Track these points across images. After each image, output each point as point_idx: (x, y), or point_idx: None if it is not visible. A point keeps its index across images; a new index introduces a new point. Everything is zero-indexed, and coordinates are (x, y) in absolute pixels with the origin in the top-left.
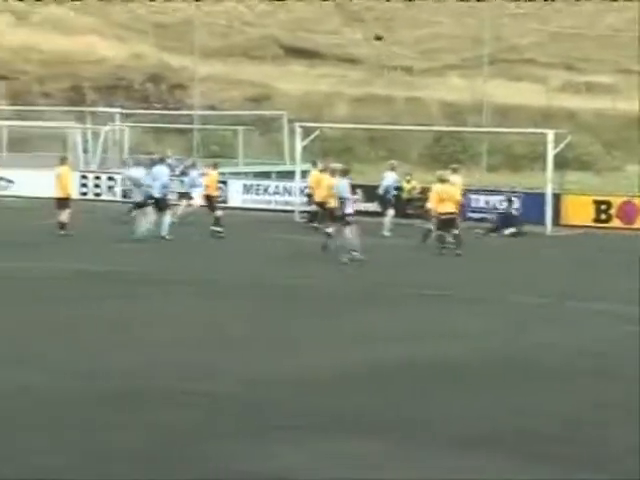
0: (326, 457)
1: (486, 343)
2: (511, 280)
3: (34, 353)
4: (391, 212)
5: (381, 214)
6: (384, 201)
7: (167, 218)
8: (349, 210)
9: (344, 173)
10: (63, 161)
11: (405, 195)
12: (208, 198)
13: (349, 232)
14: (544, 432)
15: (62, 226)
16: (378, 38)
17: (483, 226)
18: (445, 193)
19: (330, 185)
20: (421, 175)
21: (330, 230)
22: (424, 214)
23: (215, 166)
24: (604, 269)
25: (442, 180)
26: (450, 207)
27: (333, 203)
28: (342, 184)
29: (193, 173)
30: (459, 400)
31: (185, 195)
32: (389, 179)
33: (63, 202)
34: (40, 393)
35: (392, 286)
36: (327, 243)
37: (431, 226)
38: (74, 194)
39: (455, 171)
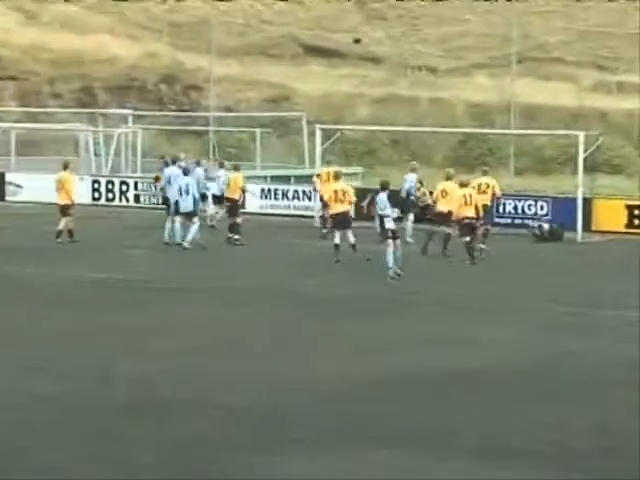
0: (345, 468)
1: (514, 353)
2: (540, 288)
3: (52, 361)
4: (412, 216)
5: (402, 219)
6: (406, 205)
7: (178, 224)
8: (390, 225)
9: (383, 187)
10: (65, 166)
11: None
12: (229, 201)
13: (392, 247)
14: (577, 445)
15: (59, 234)
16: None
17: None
18: (467, 197)
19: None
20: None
21: (337, 240)
22: (441, 219)
23: (237, 167)
24: (636, 276)
25: (462, 184)
26: (470, 211)
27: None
28: (381, 198)
29: (198, 171)
30: (486, 411)
31: (218, 199)
32: (410, 181)
33: (64, 209)
34: (58, 403)
35: (417, 294)
36: (337, 253)
37: (449, 231)
38: (85, 199)
39: (485, 173)
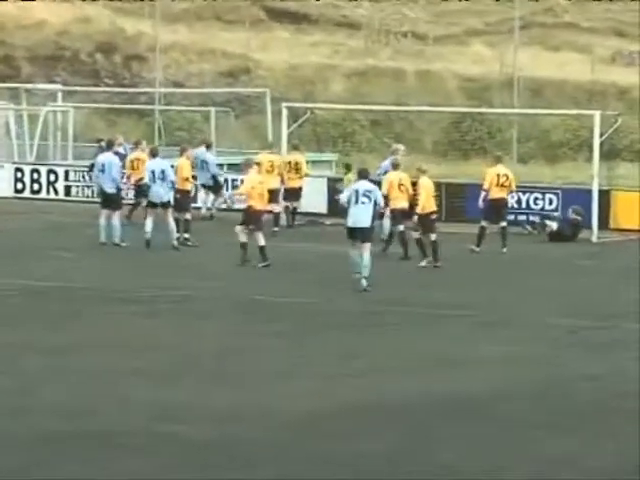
0: None
1: (519, 374)
2: (549, 296)
3: None
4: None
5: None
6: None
7: (117, 221)
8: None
9: (362, 175)
10: None
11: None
12: (177, 193)
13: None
14: None
15: None
16: None
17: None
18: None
19: None
20: (435, 167)
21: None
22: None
23: (184, 150)
24: None
25: (422, 171)
26: (433, 205)
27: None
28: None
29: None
30: (485, 444)
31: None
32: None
33: None
34: None
35: (400, 305)
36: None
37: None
38: (5, 191)
39: (500, 160)
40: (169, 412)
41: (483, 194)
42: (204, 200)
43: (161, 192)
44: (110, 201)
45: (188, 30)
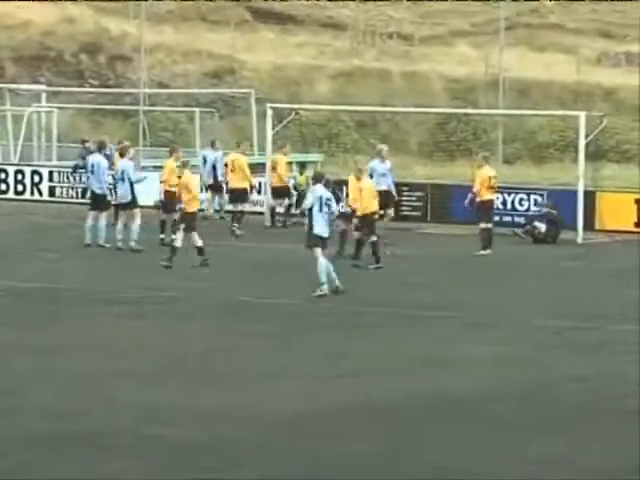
0: None
1: (506, 375)
2: (535, 298)
3: None
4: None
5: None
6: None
7: (103, 222)
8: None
9: (317, 179)
10: None
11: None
12: (168, 195)
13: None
14: None
15: None
16: None
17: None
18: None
19: None
20: (421, 168)
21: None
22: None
23: (174, 151)
24: None
25: (361, 171)
26: (374, 206)
27: None
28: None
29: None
30: (473, 445)
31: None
32: (384, 170)
33: None
34: None
35: (386, 306)
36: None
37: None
38: None
39: (487, 161)
40: (156, 414)
41: (471, 196)
42: (211, 201)
43: (122, 193)
44: (98, 202)
45: (173, 31)
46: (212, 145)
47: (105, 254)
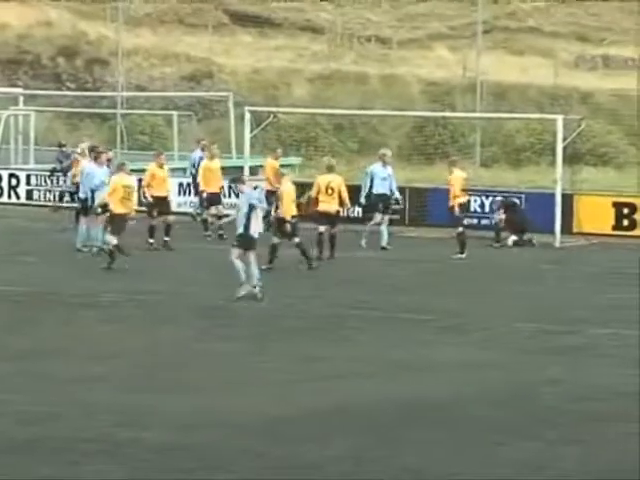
0: None
1: (485, 379)
2: (513, 301)
3: None
4: (387, 218)
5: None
6: (382, 204)
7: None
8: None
9: (240, 180)
10: None
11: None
12: (157, 199)
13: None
14: None
15: None
16: None
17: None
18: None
19: None
20: (399, 172)
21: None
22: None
23: (159, 156)
24: (626, 288)
25: (282, 175)
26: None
27: None
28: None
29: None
30: (453, 449)
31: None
32: (386, 175)
33: None
34: None
35: (362, 309)
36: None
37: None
38: None
39: (454, 164)
40: (132, 417)
41: (453, 200)
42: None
43: (81, 196)
44: (83, 207)
45: (151, 34)
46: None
47: (83, 257)
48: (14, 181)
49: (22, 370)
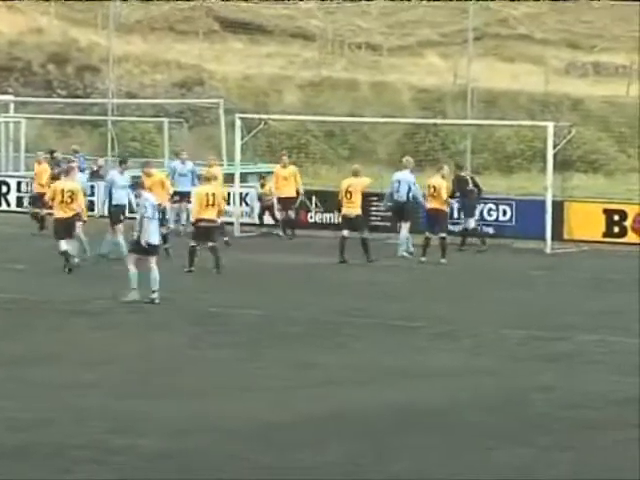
0: None
1: (475, 386)
2: (503, 309)
3: None
4: (407, 225)
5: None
6: (405, 211)
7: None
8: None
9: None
10: None
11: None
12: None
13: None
14: None
15: None
16: None
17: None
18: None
19: None
20: (389, 179)
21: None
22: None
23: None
24: (616, 295)
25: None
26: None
27: None
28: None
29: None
30: (443, 456)
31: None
32: (408, 181)
33: None
34: None
35: (356, 316)
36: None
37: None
38: None
39: (440, 170)
40: (124, 424)
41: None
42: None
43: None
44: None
45: (141, 41)
46: (177, 155)
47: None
48: (4, 188)
49: (13, 376)
